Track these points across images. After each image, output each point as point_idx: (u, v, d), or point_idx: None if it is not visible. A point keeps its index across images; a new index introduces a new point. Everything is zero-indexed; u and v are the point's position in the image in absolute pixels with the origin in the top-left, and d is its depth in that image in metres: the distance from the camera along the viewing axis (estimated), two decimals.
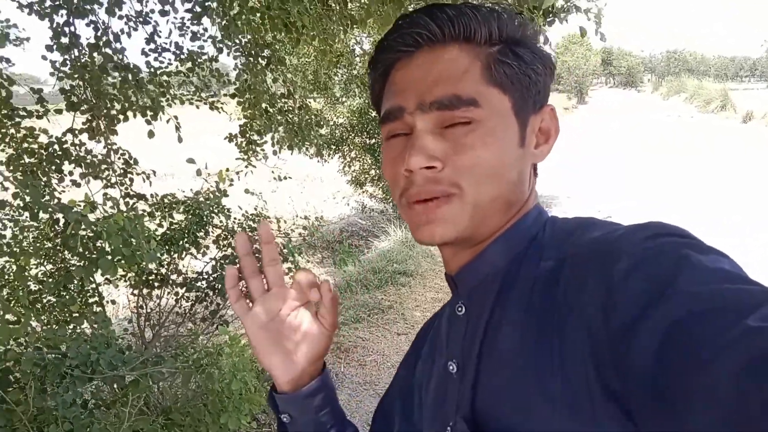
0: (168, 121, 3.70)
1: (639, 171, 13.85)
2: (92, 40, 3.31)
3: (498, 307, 0.68)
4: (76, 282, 2.60)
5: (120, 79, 3.34)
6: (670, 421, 0.45)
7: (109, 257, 2.18)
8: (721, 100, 29.74)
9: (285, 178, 4.62)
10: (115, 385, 2.65)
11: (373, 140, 10.39)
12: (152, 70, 3.59)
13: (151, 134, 3.51)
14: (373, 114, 9.93)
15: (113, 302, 4.05)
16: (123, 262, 2.26)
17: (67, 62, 3.18)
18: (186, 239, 3.81)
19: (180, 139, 3.70)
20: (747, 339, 0.42)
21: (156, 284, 4.02)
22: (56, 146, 3.31)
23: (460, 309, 0.75)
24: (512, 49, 0.72)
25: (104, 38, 3.32)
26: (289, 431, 0.87)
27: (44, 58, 3.23)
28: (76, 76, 3.17)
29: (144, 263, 2.31)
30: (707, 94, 32.61)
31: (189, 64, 3.81)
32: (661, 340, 0.47)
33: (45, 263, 3.97)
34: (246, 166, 4.26)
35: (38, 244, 3.95)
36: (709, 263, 0.51)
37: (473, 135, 0.68)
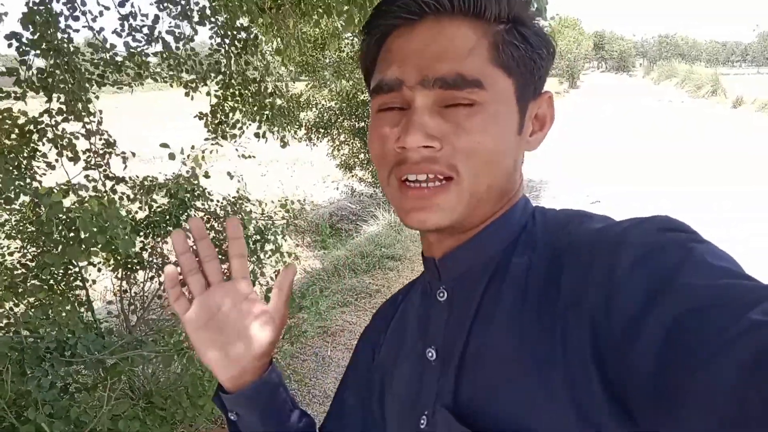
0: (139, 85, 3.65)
1: (629, 156, 13.89)
2: (69, 21, 3.25)
3: (487, 298, 0.66)
4: (57, 266, 2.57)
5: (98, 60, 3.29)
6: (670, 421, 0.45)
7: (82, 245, 2.15)
8: (712, 85, 29.82)
9: (249, 156, 4.54)
10: (99, 370, 2.64)
11: (362, 124, 10.33)
12: (129, 51, 3.53)
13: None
14: (362, 98, 9.85)
15: (94, 282, 4.00)
16: (98, 248, 2.23)
17: (42, 42, 3.11)
18: (168, 222, 3.78)
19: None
20: (746, 335, 0.42)
21: (137, 268, 3.99)
22: (31, 126, 3.26)
23: (441, 295, 0.73)
24: (519, 30, 0.68)
25: (80, 17, 3.25)
26: (240, 429, 0.84)
27: (13, 36, 3.14)
28: (51, 55, 3.11)
29: (120, 250, 2.28)
30: (698, 79, 32.67)
31: (160, 46, 3.74)
32: (662, 339, 0.46)
33: (28, 246, 3.94)
34: (212, 145, 4.20)
35: (20, 227, 3.92)
36: (711, 260, 0.51)
37: (475, 118, 0.64)
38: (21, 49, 3.08)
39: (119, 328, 3.94)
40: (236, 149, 4.40)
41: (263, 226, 3.82)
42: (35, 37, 3.06)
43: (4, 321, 2.71)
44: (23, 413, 2.32)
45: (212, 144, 4.19)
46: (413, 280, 0.88)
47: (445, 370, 0.67)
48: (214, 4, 3.54)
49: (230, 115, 4.25)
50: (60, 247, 2.30)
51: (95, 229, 2.28)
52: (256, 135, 4.35)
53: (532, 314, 0.60)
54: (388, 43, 0.70)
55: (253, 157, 4.45)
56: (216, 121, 4.26)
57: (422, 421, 0.69)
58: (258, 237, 3.83)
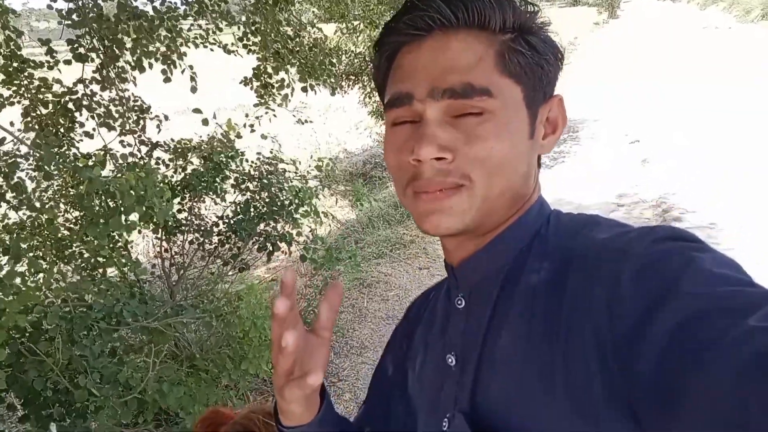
0: (183, 72, 3.64)
1: (669, 96, 13.27)
2: None
3: (500, 305, 0.68)
4: (101, 238, 2.65)
5: (131, 26, 3.28)
6: (673, 424, 0.46)
7: (122, 217, 2.22)
8: (762, 8, 28.10)
9: (307, 121, 4.56)
10: (144, 335, 2.75)
11: None
12: (160, 15, 3.50)
13: (167, 80, 3.47)
14: None
15: (136, 244, 4.14)
16: (137, 219, 2.30)
17: (74, 11, 3.11)
18: (204, 184, 3.84)
19: (194, 90, 3.65)
20: (747, 339, 0.43)
21: (177, 230, 4.09)
22: (68, 97, 3.30)
23: (459, 302, 0.75)
24: (525, 38, 0.70)
25: None
26: None
27: (50, 7, 3.18)
28: (83, 24, 3.11)
29: (158, 220, 2.34)
30: (747, 2, 30.83)
31: (197, 7, 3.70)
32: (664, 345, 0.48)
33: (71, 210, 4.05)
34: (266, 112, 4.20)
35: (62, 192, 4.02)
36: (713, 267, 0.52)
37: (485, 126, 0.66)
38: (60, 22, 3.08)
39: (161, 291, 4.08)
40: (293, 114, 4.38)
41: (298, 188, 3.84)
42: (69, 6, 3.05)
43: (54, 286, 2.83)
44: (75, 378, 2.45)
45: (263, 108, 4.16)
46: (446, 278, 0.88)
47: (462, 377, 0.70)
48: None
49: (273, 76, 4.19)
50: (101, 219, 2.37)
51: (134, 202, 2.34)
52: (304, 89, 4.29)
53: (539, 321, 0.62)
54: (398, 59, 0.73)
55: (311, 121, 4.43)
56: (260, 84, 4.21)
57: (444, 424, 0.72)
58: (292, 198, 3.86)
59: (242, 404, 3.57)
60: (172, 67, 3.57)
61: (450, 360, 0.73)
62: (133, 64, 3.41)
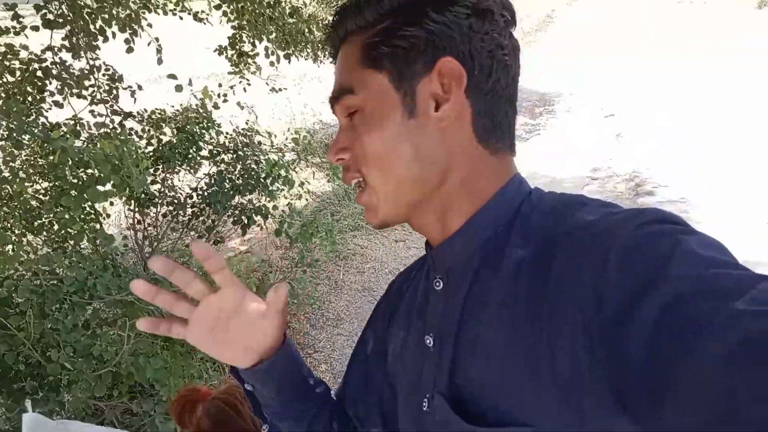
0: (149, 44, 3.55)
1: (646, 72, 13.23)
2: None
3: (477, 287, 0.68)
4: (76, 209, 2.60)
5: None
6: (663, 412, 0.46)
7: (99, 186, 2.17)
8: None
9: (281, 89, 4.49)
10: (118, 308, 2.72)
11: None
12: None
13: (130, 50, 3.38)
14: None
15: (108, 216, 4.06)
16: (113, 188, 2.25)
17: None
18: (178, 155, 3.77)
19: (160, 62, 3.56)
20: (735, 324, 0.43)
21: (150, 201, 4.02)
22: (36, 64, 3.20)
23: (437, 284, 0.75)
24: (396, 21, 0.69)
25: None
26: (256, 398, 0.90)
27: None
28: None
29: (134, 189, 2.30)
30: None
31: None
32: (651, 329, 0.48)
33: (41, 181, 3.95)
34: (239, 81, 4.12)
35: (31, 162, 3.92)
36: (700, 250, 0.51)
37: (359, 122, 0.71)
38: None
39: (134, 263, 4.02)
40: (266, 83, 4.31)
41: (274, 161, 3.79)
42: None
43: (23, 259, 2.78)
44: (47, 352, 2.42)
45: (237, 77, 4.09)
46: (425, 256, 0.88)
47: (441, 359, 0.70)
48: None
49: (249, 44, 4.11)
50: (75, 189, 2.32)
51: (109, 171, 2.29)
52: (286, 57, 4.20)
53: (522, 305, 0.62)
54: None
55: (285, 89, 4.38)
56: (235, 53, 4.13)
57: (424, 404, 0.73)
58: (269, 171, 3.81)
59: (218, 376, 3.57)
60: (134, 36, 3.46)
61: (428, 341, 0.73)
62: (99, 34, 3.31)
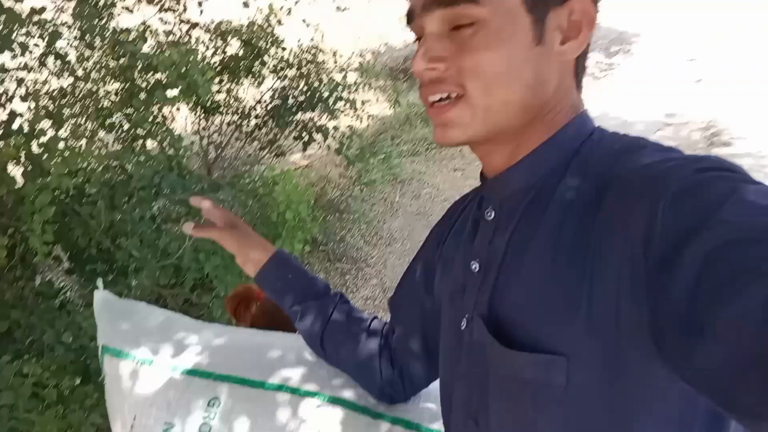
0: None
1: (732, 15, 12.31)
2: None
3: (529, 220, 0.68)
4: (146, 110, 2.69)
5: None
6: (696, 354, 0.46)
7: (166, 90, 2.23)
8: None
9: (346, 9, 4.39)
10: (182, 207, 2.84)
11: None
12: None
13: None
14: None
15: (173, 120, 4.16)
16: (179, 94, 2.31)
17: None
18: (243, 68, 3.79)
19: None
20: None
21: (215, 109, 4.10)
22: None
23: (489, 214, 0.75)
24: None
25: None
26: (301, 320, 1.08)
27: None
28: None
29: (199, 96, 2.35)
30: None
31: None
32: (696, 271, 0.47)
33: (111, 81, 4.07)
34: None
35: (104, 64, 4.03)
36: (758, 199, 0.49)
37: (477, 37, 0.64)
38: None
39: (199, 167, 4.15)
40: (332, 0, 4.22)
41: (337, 80, 3.76)
42: None
43: (95, 153, 2.91)
44: (117, 240, 2.57)
45: None
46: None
47: (484, 283, 0.72)
48: None
49: None
50: (144, 92, 2.39)
51: (175, 77, 2.34)
52: None
53: (568, 241, 0.62)
54: None
55: (348, 9, 4.28)
56: None
57: (463, 323, 0.75)
58: (332, 91, 3.80)
59: None
60: None
61: (474, 267, 0.74)
62: None
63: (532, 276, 0.64)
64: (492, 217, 0.74)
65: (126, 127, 3.63)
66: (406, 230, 5.20)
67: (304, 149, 4.20)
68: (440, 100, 0.68)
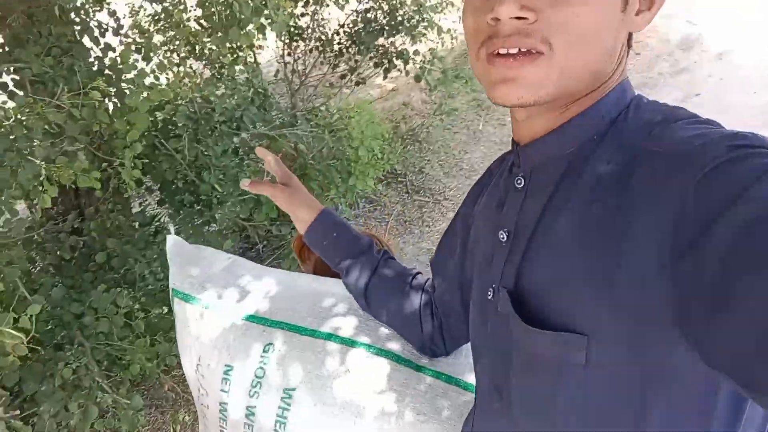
0: None
1: None
2: None
3: (561, 191, 0.67)
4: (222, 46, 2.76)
5: None
6: (720, 326, 0.47)
7: (241, 27, 2.26)
8: None
9: None
10: (261, 141, 2.94)
11: None
12: None
13: None
14: None
15: (261, 48, 4.22)
16: (255, 30, 2.34)
17: None
18: None
19: None
20: None
21: (299, 35, 4.10)
22: None
23: (519, 182, 0.74)
24: None
25: None
26: (347, 276, 1.14)
27: None
28: None
29: (274, 30, 2.37)
30: None
31: None
32: (725, 247, 0.47)
33: (196, 8, 4.15)
34: None
35: None
36: None
37: None
38: None
39: (282, 96, 4.22)
40: None
41: (420, 1, 3.64)
42: None
43: (184, 85, 3.03)
44: (201, 173, 2.72)
45: None
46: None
47: (511, 254, 0.71)
48: None
49: None
50: (222, 27, 2.44)
51: (251, 12, 2.36)
52: None
53: (596, 215, 0.61)
54: None
55: None
56: None
57: (489, 293, 0.76)
58: (414, 11, 3.69)
59: (349, 212, 3.82)
60: None
61: (501, 236, 0.74)
62: None
63: (559, 252, 0.64)
64: (522, 185, 0.73)
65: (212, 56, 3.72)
66: (488, 160, 5.06)
67: (385, 76, 4.15)
68: (508, 54, 0.62)
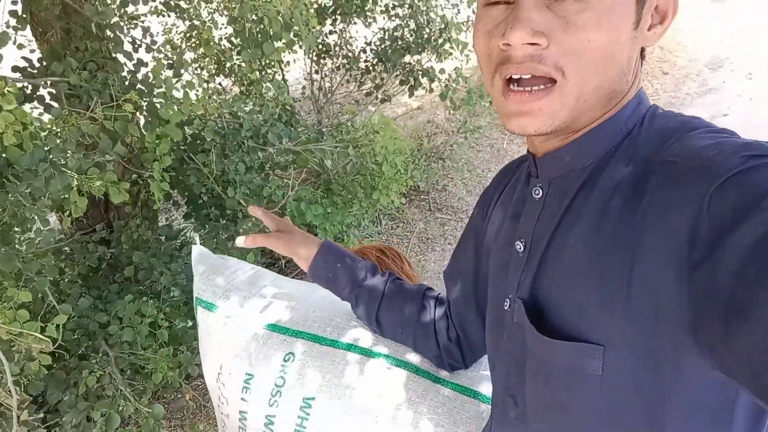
0: None
1: None
2: None
3: (577, 203, 0.67)
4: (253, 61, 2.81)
5: None
6: (733, 338, 0.46)
7: (272, 42, 2.31)
8: None
9: None
10: (287, 157, 2.98)
11: None
12: None
13: None
14: None
15: (288, 63, 4.29)
16: (283, 44, 2.38)
17: None
18: (355, 6, 3.80)
19: None
20: None
21: (326, 53, 4.16)
22: None
23: (536, 192, 0.74)
24: None
25: None
26: (356, 307, 1.15)
27: None
28: None
29: (303, 47, 2.41)
30: None
31: None
32: (742, 257, 0.47)
33: (226, 26, 4.24)
34: None
35: (224, 5, 4.19)
36: None
37: (587, 14, 0.58)
38: None
39: (310, 111, 4.27)
40: None
41: (447, 19, 3.67)
42: None
43: (211, 101, 3.09)
44: (227, 188, 2.76)
45: None
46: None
47: (528, 265, 0.72)
48: None
49: None
50: (253, 43, 2.48)
51: (281, 27, 2.40)
52: None
53: (611, 227, 0.61)
54: None
55: None
56: None
57: (506, 303, 0.76)
58: (441, 29, 3.73)
59: (373, 227, 3.83)
60: None
61: (519, 247, 0.74)
62: None
63: (575, 262, 0.64)
64: (539, 196, 0.73)
65: (242, 67, 3.78)
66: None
67: (411, 94, 4.18)
68: (519, 82, 0.63)
